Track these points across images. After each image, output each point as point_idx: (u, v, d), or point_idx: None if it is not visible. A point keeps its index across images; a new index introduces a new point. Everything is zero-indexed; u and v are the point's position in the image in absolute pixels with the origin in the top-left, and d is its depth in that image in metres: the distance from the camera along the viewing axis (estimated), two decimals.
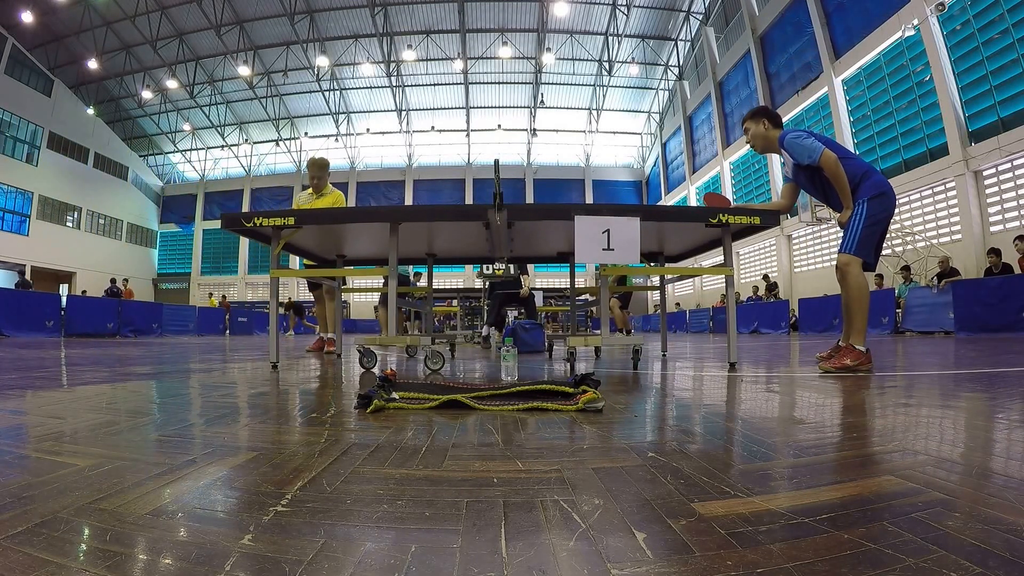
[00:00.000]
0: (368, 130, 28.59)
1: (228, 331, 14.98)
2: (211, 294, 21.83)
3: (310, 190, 4.90)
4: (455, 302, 9.33)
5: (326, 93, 26.41)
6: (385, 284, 3.91)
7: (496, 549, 0.57)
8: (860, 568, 0.51)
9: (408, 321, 9.35)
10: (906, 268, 10.70)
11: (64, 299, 9.98)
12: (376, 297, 19.17)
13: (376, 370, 2.89)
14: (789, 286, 16.58)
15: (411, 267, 7.57)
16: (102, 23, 22.00)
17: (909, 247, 12.09)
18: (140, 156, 29.51)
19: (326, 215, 2.83)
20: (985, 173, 10.62)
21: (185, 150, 30.22)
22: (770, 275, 16.27)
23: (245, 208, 28.89)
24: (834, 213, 2.89)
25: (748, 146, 3.17)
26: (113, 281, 16.28)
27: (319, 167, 4.90)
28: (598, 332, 2.90)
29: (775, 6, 16.65)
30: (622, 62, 23.75)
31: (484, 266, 6.78)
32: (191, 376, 2.65)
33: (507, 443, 1.08)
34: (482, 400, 1.56)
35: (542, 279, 26.79)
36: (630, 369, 2.85)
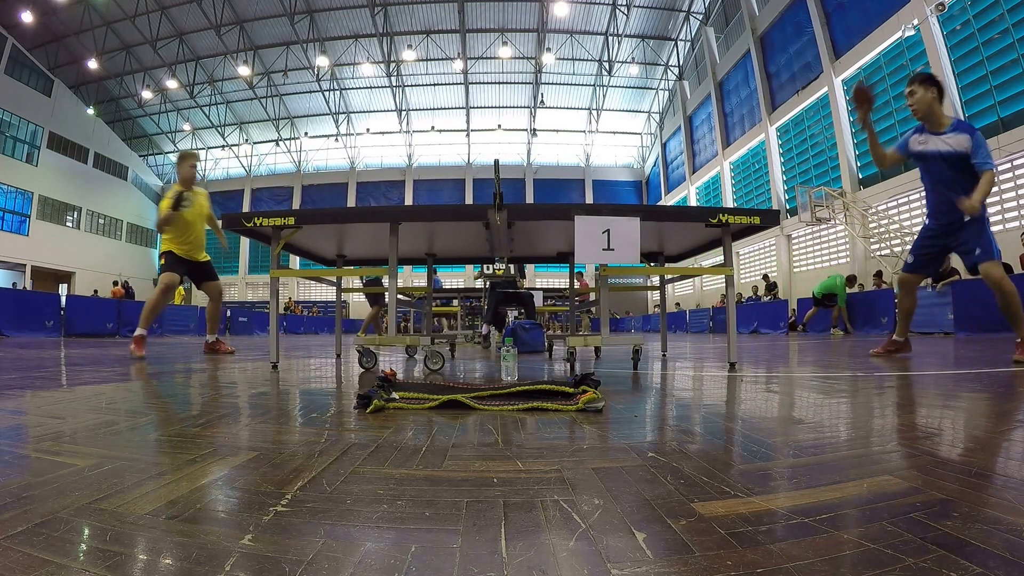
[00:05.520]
0: (368, 130, 28.60)
1: (228, 330, 14.96)
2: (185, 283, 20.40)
3: (174, 187, 4.34)
4: (455, 302, 9.31)
5: (326, 93, 26.42)
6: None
7: (496, 549, 0.57)
8: (860, 568, 0.51)
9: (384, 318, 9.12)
10: None
11: (64, 299, 9.97)
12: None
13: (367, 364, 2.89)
14: (789, 286, 16.59)
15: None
16: (102, 23, 22.01)
17: (909, 247, 12.09)
18: (140, 156, 29.52)
19: (327, 215, 2.83)
20: None
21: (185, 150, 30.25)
22: (770, 275, 16.29)
23: (245, 208, 28.90)
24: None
25: (908, 106, 3.08)
26: (127, 282, 16.22)
27: (197, 157, 4.59)
28: (598, 332, 2.90)
29: (775, 6, 16.66)
30: (622, 62, 23.76)
31: (484, 266, 6.79)
32: (191, 376, 2.65)
33: (507, 443, 1.08)
34: (482, 400, 1.56)
35: (542, 279, 26.81)
36: (630, 369, 2.85)
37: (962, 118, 2.38)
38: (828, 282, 10.40)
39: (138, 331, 4.02)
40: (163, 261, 4.40)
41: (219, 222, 4.63)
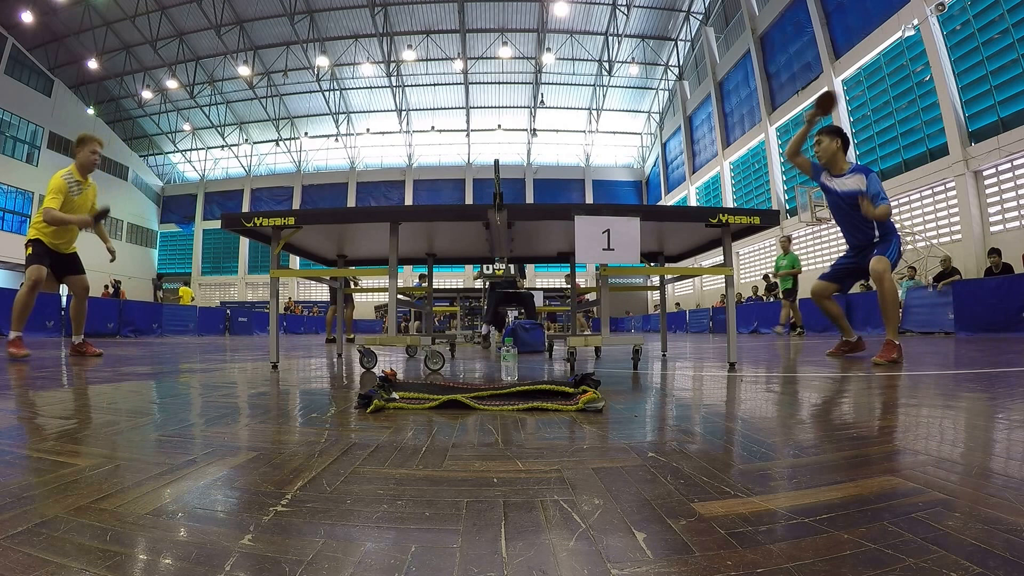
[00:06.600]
0: (368, 130, 28.60)
1: (228, 331, 14.97)
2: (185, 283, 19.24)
3: (71, 169, 3.89)
4: (455, 302, 9.31)
5: (326, 93, 26.42)
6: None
7: (496, 549, 0.57)
8: (860, 568, 0.51)
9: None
10: (911, 268, 10.73)
11: (64, 299, 9.97)
12: (378, 297, 19.05)
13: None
14: None
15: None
16: (102, 23, 22.01)
17: (909, 247, 12.10)
18: (140, 156, 29.51)
19: (327, 215, 2.83)
20: (985, 173, 10.63)
21: (185, 150, 30.24)
22: (770, 275, 16.28)
23: (245, 208, 28.90)
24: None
25: (813, 152, 3.68)
26: (117, 282, 16.33)
27: (100, 143, 4.02)
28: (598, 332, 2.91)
29: (775, 6, 16.66)
30: (622, 62, 23.76)
31: (484, 266, 6.80)
32: (191, 376, 2.65)
33: (507, 443, 1.08)
34: (482, 400, 1.56)
35: (542, 279, 26.80)
36: (630, 369, 2.85)
37: (858, 162, 3.13)
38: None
39: (12, 334, 3.75)
40: (29, 251, 3.85)
41: (104, 227, 4.23)
